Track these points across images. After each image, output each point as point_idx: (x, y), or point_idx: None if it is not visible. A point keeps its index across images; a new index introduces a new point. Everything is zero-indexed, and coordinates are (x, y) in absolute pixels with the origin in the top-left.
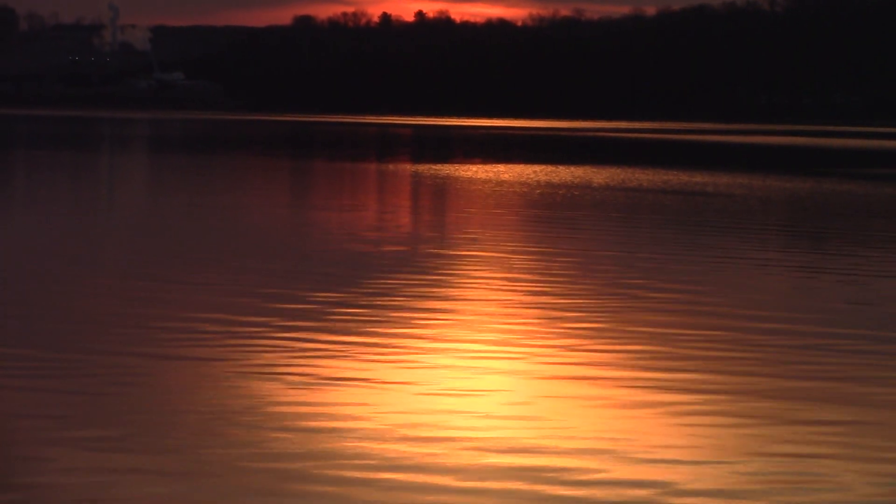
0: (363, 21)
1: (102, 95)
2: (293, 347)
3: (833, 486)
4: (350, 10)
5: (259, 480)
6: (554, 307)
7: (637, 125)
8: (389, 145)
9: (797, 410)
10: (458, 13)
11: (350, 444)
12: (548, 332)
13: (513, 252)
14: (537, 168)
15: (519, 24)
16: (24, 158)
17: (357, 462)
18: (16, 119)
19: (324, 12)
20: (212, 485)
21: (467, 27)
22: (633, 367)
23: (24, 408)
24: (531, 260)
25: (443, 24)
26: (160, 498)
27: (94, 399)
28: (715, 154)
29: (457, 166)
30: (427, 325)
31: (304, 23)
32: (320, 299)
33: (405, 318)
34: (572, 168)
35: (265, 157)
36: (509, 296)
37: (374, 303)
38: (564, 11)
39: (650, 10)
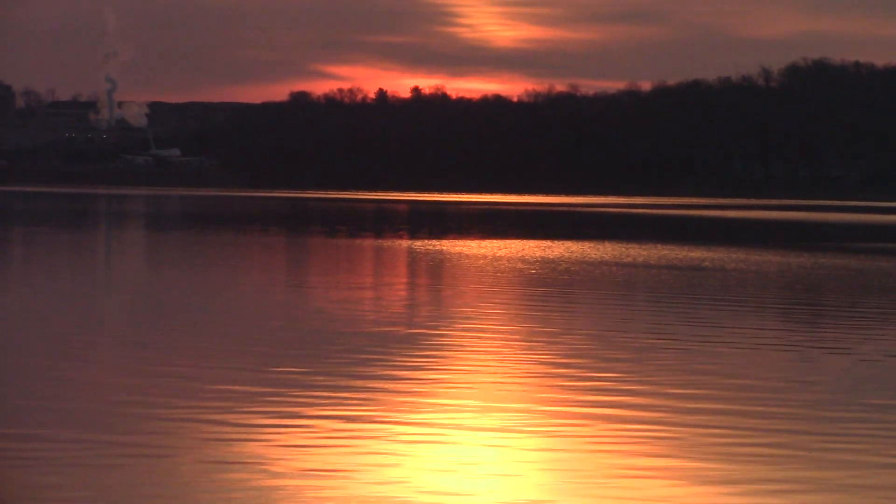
0: (359, 97)
1: (99, 171)
2: (297, 432)
3: None
4: (346, 86)
5: None
6: (548, 383)
7: (633, 200)
8: (386, 221)
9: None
10: (454, 89)
11: None
12: (540, 409)
13: (508, 329)
14: (533, 244)
15: (515, 99)
16: (21, 235)
17: None
18: (12, 195)
19: (320, 88)
20: None
21: (463, 103)
22: (631, 444)
23: None
24: (527, 336)
25: (438, 100)
26: None
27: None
28: (711, 229)
29: (453, 242)
30: (422, 408)
31: (301, 99)
32: (316, 382)
33: (401, 401)
34: (568, 243)
35: (262, 234)
36: (504, 372)
37: (369, 385)
38: (560, 87)
39: (645, 85)
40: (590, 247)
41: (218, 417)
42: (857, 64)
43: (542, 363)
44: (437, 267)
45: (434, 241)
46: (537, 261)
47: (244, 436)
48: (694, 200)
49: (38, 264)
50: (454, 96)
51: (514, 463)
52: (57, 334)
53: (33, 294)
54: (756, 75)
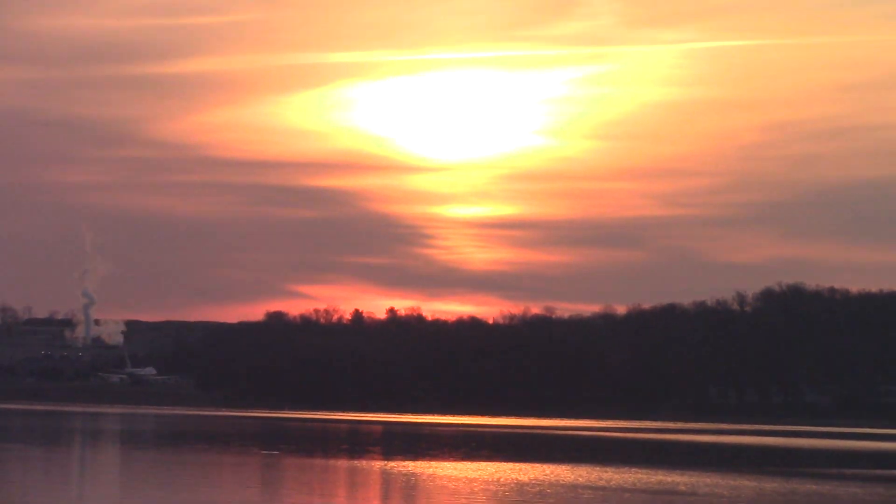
0: (335, 317)
1: (75, 389)
2: None
3: None
4: (322, 306)
5: None
6: None
7: (608, 423)
8: (360, 441)
9: None
10: (430, 311)
11: None
12: None
13: None
14: (508, 466)
15: (490, 321)
16: None
17: None
18: None
19: (296, 309)
20: None
21: (438, 325)
22: None
23: None
24: None
25: (414, 321)
26: None
27: None
28: (685, 452)
29: (427, 463)
30: None
31: (277, 319)
32: None
33: None
34: (543, 465)
35: (236, 453)
36: None
37: None
38: (535, 309)
39: (621, 309)
40: (564, 469)
41: None
42: (831, 290)
43: None
44: (410, 490)
45: (407, 463)
46: (511, 484)
47: None
48: (668, 424)
49: (11, 483)
50: (430, 317)
51: None
52: None
53: None
54: (731, 300)
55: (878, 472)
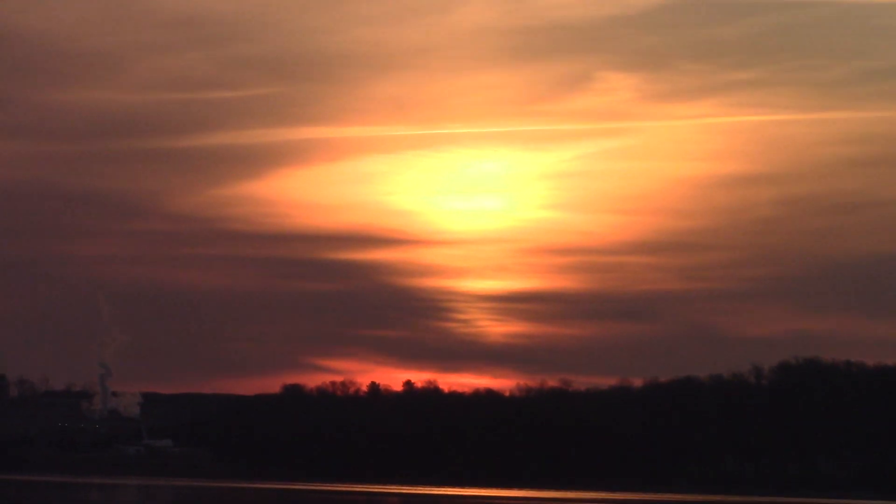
0: (352, 389)
1: (92, 461)
2: None
3: None
4: (339, 378)
5: None
6: None
7: (624, 496)
8: None
9: None
10: (446, 383)
11: None
12: None
13: None
14: None
15: (507, 394)
16: None
17: None
18: (6, 484)
19: (312, 381)
20: None
21: (455, 397)
22: None
23: None
24: None
25: (431, 394)
26: None
27: None
28: None
29: None
30: None
31: (293, 391)
32: None
33: None
34: None
35: None
36: None
37: None
38: (552, 382)
39: (637, 382)
40: None
41: None
42: (847, 363)
43: None
44: None
45: None
46: None
47: None
48: (685, 497)
49: None
50: (446, 390)
51: None
52: None
53: None
54: (747, 373)
55: None
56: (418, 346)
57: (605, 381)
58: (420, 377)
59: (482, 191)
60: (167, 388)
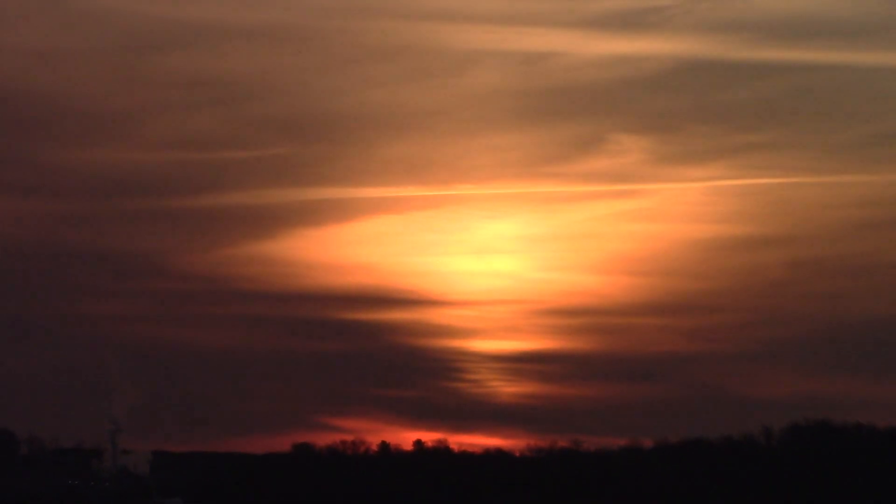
0: (362, 449)
1: None
2: None
3: None
4: (349, 437)
5: None
6: None
7: None
8: None
9: None
10: (457, 443)
11: None
12: None
13: None
14: None
15: (517, 454)
16: None
17: None
18: None
19: (322, 440)
20: None
21: (465, 456)
22: None
23: None
24: None
25: (441, 453)
26: None
27: None
28: None
29: None
30: None
31: (303, 450)
32: None
33: None
34: None
35: None
36: None
37: None
38: (562, 442)
39: (647, 442)
40: None
41: None
42: (858, 425)
43: None
44: None
45: None
46: None
47: None
48: None
49: None
50: (456, 449)
51: None
52: None
53: None
54: (757, 434)
55: None
56: (429, 406)
57: (615, 442)
58: (430, 437)
59: (494, 251)
60: (177, 446)
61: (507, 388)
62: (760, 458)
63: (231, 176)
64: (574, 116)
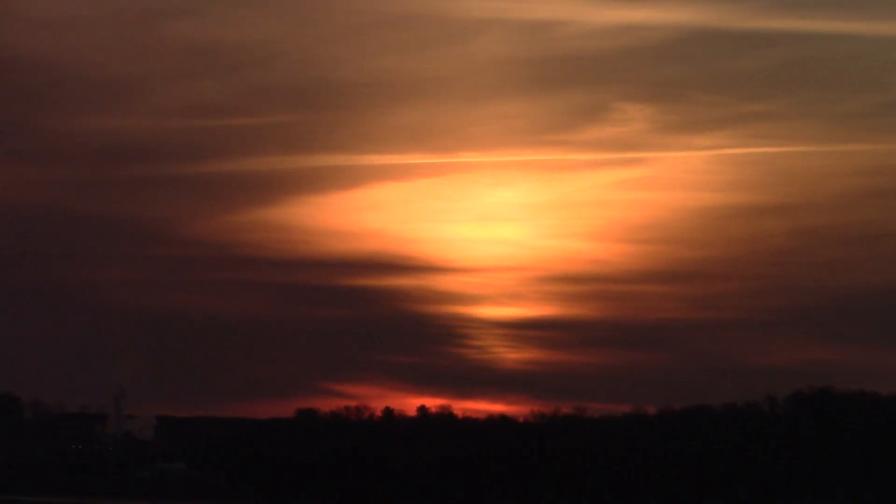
0: (366, 414)
1: (105, 484)
2: None
3: None
4: (353, 403)
5: None
6: None
7: None
8: None
9: None
10: (460, 408)
11: None
12: None
13: None
14: None
15: (520, 419)
16: None
17: None
18: None
19: (326, 406)
20: None
21: (468, 422)
22: None
23: None
24: None
25: (444, 419)
26: None
27: None
28: None
29: None
30: None
31: (307, 416)
32: None
33: None
34: None
35: None
36: None
37: None
38: (566, 409)
39: (651, 409)
40: None
41: None
42: (861, 392)
43: None
44: None
45: None
46: None
47: None
48: None
49: None
50: (460, 415)
51: None
52: None
53: None
54: (761, 401)
55: None
56: (433, 372)
57: (619, 409)
58: (434, 402)
59: (498, 219)
60: (181, 411)
61: (510, 355)
62: (764, 425)
63: (236, 143)
64: (579, 85)
